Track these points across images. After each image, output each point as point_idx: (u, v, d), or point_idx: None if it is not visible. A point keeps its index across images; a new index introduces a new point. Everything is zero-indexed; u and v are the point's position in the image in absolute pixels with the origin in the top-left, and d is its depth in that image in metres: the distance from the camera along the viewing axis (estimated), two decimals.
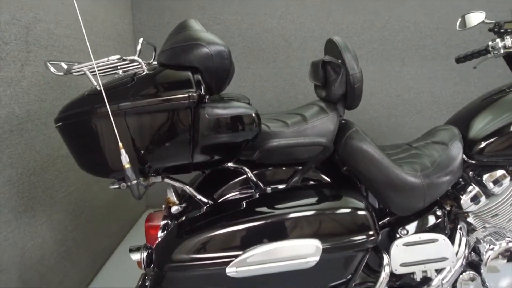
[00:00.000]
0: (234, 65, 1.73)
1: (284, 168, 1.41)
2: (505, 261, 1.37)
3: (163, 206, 1.41)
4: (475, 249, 1.40)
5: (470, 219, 1.44)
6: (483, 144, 1.38)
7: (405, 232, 1.35)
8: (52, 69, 1.16)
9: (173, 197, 1.42)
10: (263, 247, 1.09)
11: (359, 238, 1.14)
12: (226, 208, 1.21)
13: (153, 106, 1.07)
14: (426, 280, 1.34)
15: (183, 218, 1.27)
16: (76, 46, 2.01)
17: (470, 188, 1.40)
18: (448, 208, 1.45)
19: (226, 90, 3.00)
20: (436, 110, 3.15)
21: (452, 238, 1.37)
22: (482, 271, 1.37)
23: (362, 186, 1.47)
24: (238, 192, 1.39)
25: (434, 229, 1.36)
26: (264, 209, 1.16)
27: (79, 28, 2.04)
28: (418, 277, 1.29)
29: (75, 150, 1.19)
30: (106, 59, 1.11)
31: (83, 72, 1.14)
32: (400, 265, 1.29)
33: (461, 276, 1.37)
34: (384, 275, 1.20)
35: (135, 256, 1.29)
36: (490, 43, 1.62)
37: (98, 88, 1.11)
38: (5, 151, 1.47)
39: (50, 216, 1.75)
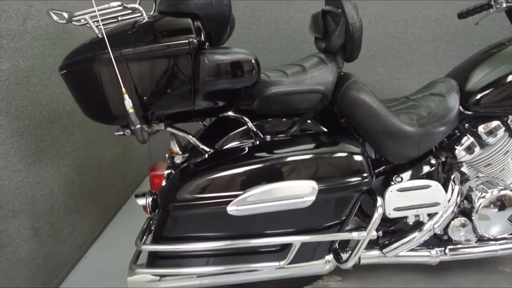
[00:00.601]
0: (235, 25, 1.72)
1: (283, 120, 1.44)
2: (496, 210, 1.42)
3: (167, 155, 1.46)
4: (468, 197, 1.45)
5: (464, 169, 1.48)
6: (479, 95, 1.40)
7: (400, 179, 1.40)
8: (55, 17, 1.18)
9: (176, 148, 1.47)
10: (262, 187, 1.14)
11: (354, 179, 1.19)
12: (227, 154, 1.25)
13: (154, 52, 1.09)
14: (418, 224, 1.39)
15: (186, 164, 1.32)
16: (77, 4, 2.01)
17: (465, 138, 1.43)
18: (443, 159, 1.49)
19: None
20: (439, 73, 3.13)
21: (445, 186, 1.42)
22: (473, 218, 1.42)
23: (360, 138, 1.51)
24: (238, 142, 1.43)
25: (428, 176, 1.40)
26: (263, 153, 1.21)
27: None
28: (410, 221, 1.35)
29: (79, 97, 1.23)
30: (107, 5, 1.12)
31: (85, 22, 1.16)
32: (394, 209, 1.34)
33: (452, 222, 1.42)
34: (377, 216, 1.26)
35: (141, 201, 1.36)
36: None
37: (100, 36, 1.13)
38: (12, 103, 1.51)
39: (58, 170, 1.81)
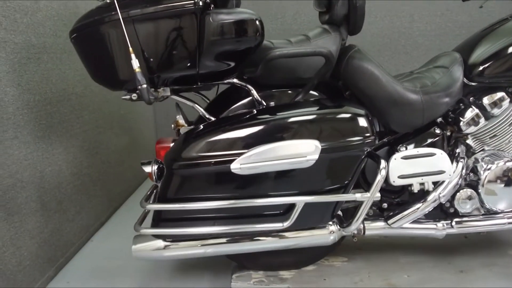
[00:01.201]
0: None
1: (288, 91, 1.46)
2: (503, 182, 1.41)
3: (172, 126, 1.48)
4: (474, 170, 1.44)
5: (469, 141, 1.47)
6: (483, 66, 1.40)
7: (404, 148, 1.39)
8: None
9: (181, 120, 1.49)
10: (265, 146, 1.15)
11: (357, 139, 1.19)
12: (232, 118, 1.27)
13: (161, 12, 1.12)
14: (424, 194, 1.38)
15: (191, 128, 1.33)
16: None
17: (469, 110, 1.43)
18: (449, 133, 1.49)
19: None
20: None
21: (450, 158, 1.41)
22: (480, 190, 1.41)
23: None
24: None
25: (432, 146, 1.40)
26: (267, 115, 1.22)
27: None
28: (415, 188, 1.34)
29: (88, 61, 1.26)
30: None
31: None
32: (398, 177, 1.34)
33: (458, 193, 1.41)
34: (380, 178, 1.26)
35: (147, 169, 1.37)
36: None
37: (109, 1, 1.17)
38: (24, 76, 1.55)
39: (67, 148, 1.84)
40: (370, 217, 1.46)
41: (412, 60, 3.13)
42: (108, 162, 2.31)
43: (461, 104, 1.47)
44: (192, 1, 1.10)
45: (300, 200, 1.21)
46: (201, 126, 1.26)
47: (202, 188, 1.20)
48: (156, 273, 1.67)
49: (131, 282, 1.62)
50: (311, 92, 1.43)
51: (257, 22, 1.15)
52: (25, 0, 1.57)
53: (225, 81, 1.34)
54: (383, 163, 1.27)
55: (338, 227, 1.38)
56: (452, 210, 1.45)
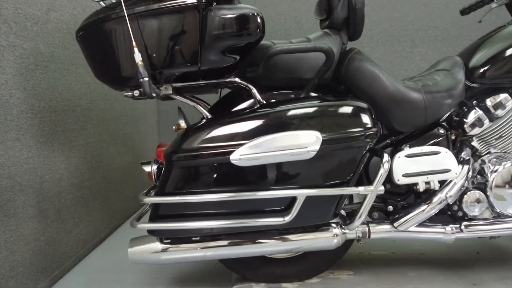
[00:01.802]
0: None
1: (290, 93, 1.46)
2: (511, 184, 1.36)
3: (174, 127, 1.47)
4: (481, 172, 1.40)
5: (475, 143, 1.45)
6: (484, 68, 1.41)
7: (408, 147, 1.37)
8: None
9: (183, 123, 1.49)
10: (266, 136, 1.14)
11: (359, 130, 1.18)
12: (232, 113, 1.27)
13: (164, 8, 1.16)
14: (430, 195, 1.34)
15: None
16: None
17: (473, 111, 1.41)
18: (453, 137, 1.47)
19: None
20: None
21: (457, 157, 1.38)
22: (488, 193, 1.36)
23: None
24: None
25: (436, 145, 1.37)
26: (268, 108, 1.22)
27: None
28: (421, 187, 1.30)
29: (93, 59, 1.29)
30: None
31: None
32: (403, 175, 1.31)
33: (466, 196, 1.36)
34: (383, 171, 1.22)
35: (147, 168, 1.36)
36: None
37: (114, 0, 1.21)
38: (30, 81, 1.58)
39: (68, 158, 1.84)
40: (375, 220, 1.40)
41: None
42: (110, 177, 2.30)
43: (464, 107, 1.46)
44: None
45: (302, 193, 1.18)
46: (203, 121, 1.25)
47: (202, 181, 1.17)
48: None
49: None
50: (314, 95, 1.43)
51: (258, 17, 1.18)
52: (36, 10, 1.64)
53: (227, 80, 1.35)
54: (386, 156, 1.24)
55: (342, 230, 1.33)
56: (460, 214, 1.40)
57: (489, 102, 1.42)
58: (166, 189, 1.20)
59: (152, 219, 1.23)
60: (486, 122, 1.41)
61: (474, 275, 1.55)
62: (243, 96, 1.45)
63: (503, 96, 1.41)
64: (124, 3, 1.16)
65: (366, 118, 1.20)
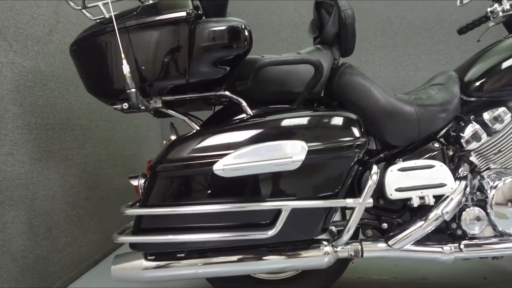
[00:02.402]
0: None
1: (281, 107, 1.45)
2: None
3: (164, 142, 1.46)
4: (480, 188, 1.34)
5: (473, 159, 1.39)
6: (480, 81, 1.38)
7: (401, 161, 1.32)
8: (72, 4, 1.31)
9: (174, 137, 1.48)
10: (250, 146, 1.12)
11: (346, 141, 1.15)
12: (219, 123, 1.25)
13: (155, 22, 1.18)
14: (426, 212, 1.28)
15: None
16: None
17: (469, 126, 1.37)
18: (451, 153, 1.42)
19: None
20: None
21: (453, 174, 1.32)
22: (488, 210, 1.30)
23: None
24: None
25: (431, 159, 1.32)
26: (254, 119, 1.21)
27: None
28: (415, 202, 1.24)
29: (85, 73, 1.31)
30: None
31: (96, 4, 1.29)
32: (396, 189, 1.25)
33: (464, 212, 1.30)
34: (371, 183, 1.17)
35: (134, 182, 1.34)
36: (488, 9, 1.67)
37: (108, 16, 1.25)
38: (27, 98, 1.61)
39: (64, 176, 1.84)
40: (369, 238, 1.34)
41: None
42: (108, 199, 2.28)
43: (461, 122, 1.42)
44: (185, 11, 1.16)
45: (286, 206, 1.13)
46: (190, 132, 1.24)
47: (185, 193, 1.15)
48: None
49: None
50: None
51: (246, 30, 1.19)
52: (38, 31, 1.70)
53: (217, 93, 1.35)
54: (375, 168, 1.20)
55: (334, 248, 1.27)
56: (460, 232, 1.33)
57: (486, 116, 1.38)
58: (150, 201, 1.17)
59: (134, 233, 1.19)
60: (484, 136, 1.37)
61: None
62: (235, 111, 1.45)
63: (500, 109, 1.37)
64: (115, 17, 1.18)
65: (353, 129, 1.17)
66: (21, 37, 1.59)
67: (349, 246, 1.28)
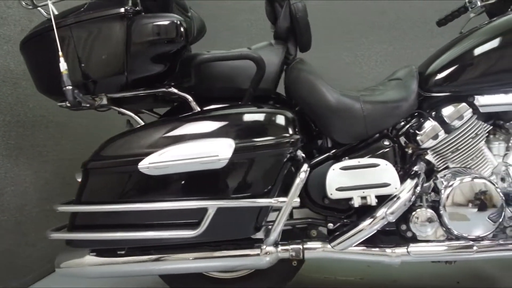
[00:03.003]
0: None
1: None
2: (467, 202, 1.21)
3: None
4: (435, 189, 1.27)
5: (430, 157, 1.31)
6: (439, 75, 1.31)
7: (347, 160, 1.27)
8: (23, 3, 1.33)
9: None
10: (177, 144, 1.11)
11: (276, 138, 1.12)
12: (157, 121, 1.25)
13: (94, 18, 1.19)
14: (369, 211, 1.22)
15: None
16: None
17: (427, 122, 1.30)
18: (410, 151, 1.35)
19: None
20: None
21: (405, 173, 1.26)
22: (441, 211, 1.22)
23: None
24: None
25: (381, 157, 1.26)
26: (187, 117, 1.20)
27: None
28: (356, 202, 1.19)
29: (33, 70, 1.34)
30: None
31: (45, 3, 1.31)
32: (336, 189, 1.20)
33: (414, 214, 1.23)
34: (299, 181, 1.13)
35: (79, 178, 1.35)
36: None
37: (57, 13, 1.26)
38: None
39: (37, 172, 1.88)
40: (313, 239, 1.29)
41: None
42: None
43: (420, 118, 1.35)
44: (123, 8, 1.16)
45: (212, 205, 1.11)
46: (125, 131, 1.24)
47: (115, 190, 1.16)
48: None
49: None
50: None
51: (178, 24, 1.18)
52: (9, 31, 1.74)
53: (165, 90, 1.33)
54: (304, 166, 1.15)
55: (278, 248, 1.24)
56: (410, 235, 1.26)
57: (445, 112, 1.29)
58: (82, 198, 1.18)
59: (69, 229, 1.21)
60: (442, 134, 1.29)
61: None
62: (187, 108, 1.43)
63: (460, 105, 1.29)
64: (63, 15, 1.21)
65: (284, 126, 1.14)
66: None
67: (290, 247, 1.24)
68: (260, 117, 1.16)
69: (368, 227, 1.20)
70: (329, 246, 1.23)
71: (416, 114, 1.36)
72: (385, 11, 3.01)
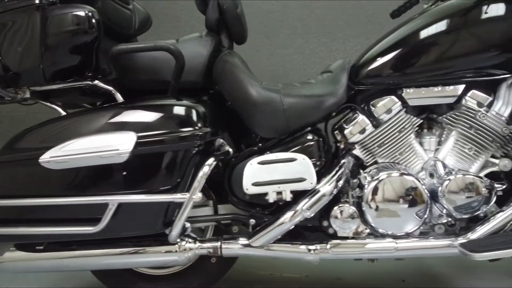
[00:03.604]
0: None
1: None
2: (391, 201, 1.16)
3: None
4: (359, 185, 1.23)
5: (357, 152, 1.27)
6: (368, 68, 1.27)
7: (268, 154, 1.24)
8: None
9: None
10: (78, 138, 1.10)
11: (181, 131, 1.10)
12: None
13: (9, 10, 1.18)
14: (285, 206, 1.18)
15: None
16: None
17: (354, 116, 1.26)
18: (342, 146, 1.31)
19: None
20: None
21: (327, 168, 1.22)
22: (363, 207, 1.18)
23: None
24: None
25: (303, 152, 1.22)
26: (96, 110, 1.18)
27: None
28: (271, 198, 1.16)
29: None
30: None
31: None
32: (252, 184, 1.17)
33: (334, 210, 1.19)
34: (202, 174, 1.11)
35: None
36: None
37: None
38: None
39: None
40: (235, 235, 1.27)
41: None
42: None
43: (351, 112, 1.31)
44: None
45: (112, 200, 1.09)
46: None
47: (19, 184, 1.15)
48: None
49: None
50: None
51: (93, 17, 1.16)
52: None
53: (89, 83, 1.31)
54: (210, 160, 1.12)
55: (198, 244, 1.21)
56: (332, 231, 1.22)
57: (373, 105, 1.25)
58: None
59: None
60: (369, 128, 1.25)
61: None
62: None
63: (388, 98, 1.24)
64: None
65: (191, 119, 1.11)
66: None
67: (208, 244, 1.21)
68: (166, 110, 1.14)
69: (283, 223, 1.16)
70: (247, 242, 1.20)
71: (348, 107, 1.32)
72: (362, 6, 2.95)
